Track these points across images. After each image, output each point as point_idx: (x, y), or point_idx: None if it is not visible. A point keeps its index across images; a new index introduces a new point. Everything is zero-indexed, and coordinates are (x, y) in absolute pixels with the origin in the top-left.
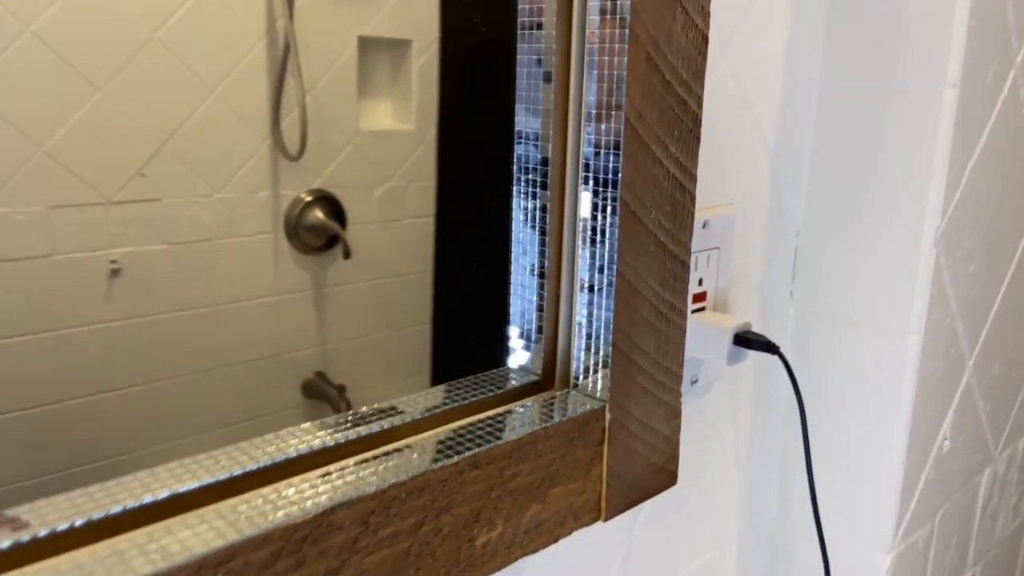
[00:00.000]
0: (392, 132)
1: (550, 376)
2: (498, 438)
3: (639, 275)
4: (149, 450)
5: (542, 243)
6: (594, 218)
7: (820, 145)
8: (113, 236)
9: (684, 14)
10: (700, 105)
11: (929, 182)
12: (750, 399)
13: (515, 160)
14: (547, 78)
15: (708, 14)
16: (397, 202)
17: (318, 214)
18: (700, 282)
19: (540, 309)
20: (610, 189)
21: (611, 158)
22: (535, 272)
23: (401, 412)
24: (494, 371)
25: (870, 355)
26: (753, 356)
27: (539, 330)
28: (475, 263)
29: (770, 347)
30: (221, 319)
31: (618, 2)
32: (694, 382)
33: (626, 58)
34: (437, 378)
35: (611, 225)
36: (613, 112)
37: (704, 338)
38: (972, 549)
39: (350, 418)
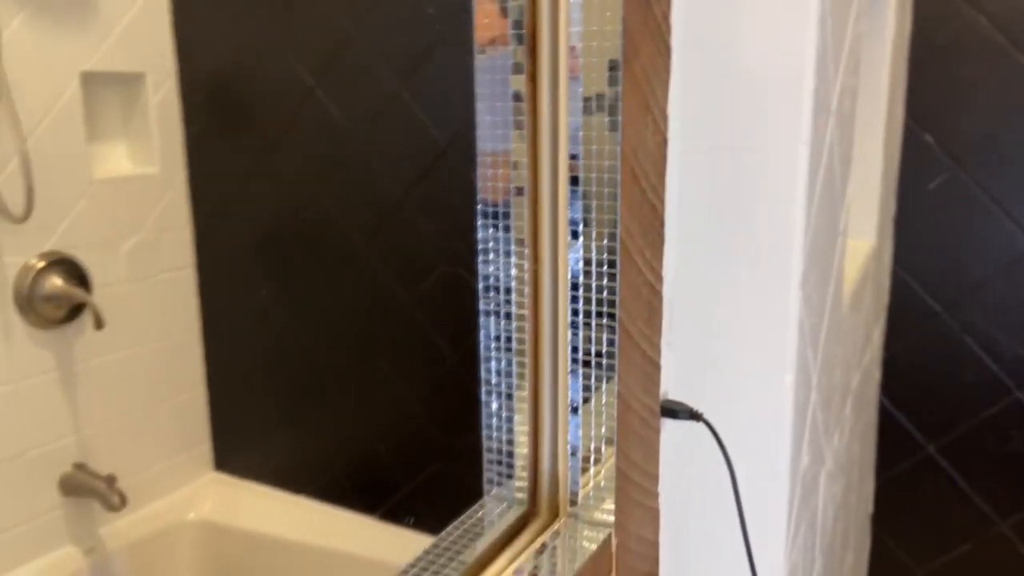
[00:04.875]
0: (133, 177)
1: (535, 504)
2: None
3: (631, 390)
4: None
5: (519, 364)
6: (588, 340)
7: (685, 200)
8: None
9: (653, 122)
10: (663, 204)
11: (792, 232)
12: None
13: (481, 279)
14: (519, 192)
15: (667, 117)
16: (149, 256)
17: (56, 281)
18: None
19: (513, 436)
20: (605, 308)
21: (604, 278)
22: (510, 395)
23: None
24: (478, 504)
25: (750, 396)
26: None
27: (515, 456)
28: (247, 315)
29: (694, 415)
30: None
31: (607, 120)
32: None
33: (618, 176)
34: (220, 449)
35: (608, 346)
36: (605, 231)
37: None
38: (817, 544)
39: None
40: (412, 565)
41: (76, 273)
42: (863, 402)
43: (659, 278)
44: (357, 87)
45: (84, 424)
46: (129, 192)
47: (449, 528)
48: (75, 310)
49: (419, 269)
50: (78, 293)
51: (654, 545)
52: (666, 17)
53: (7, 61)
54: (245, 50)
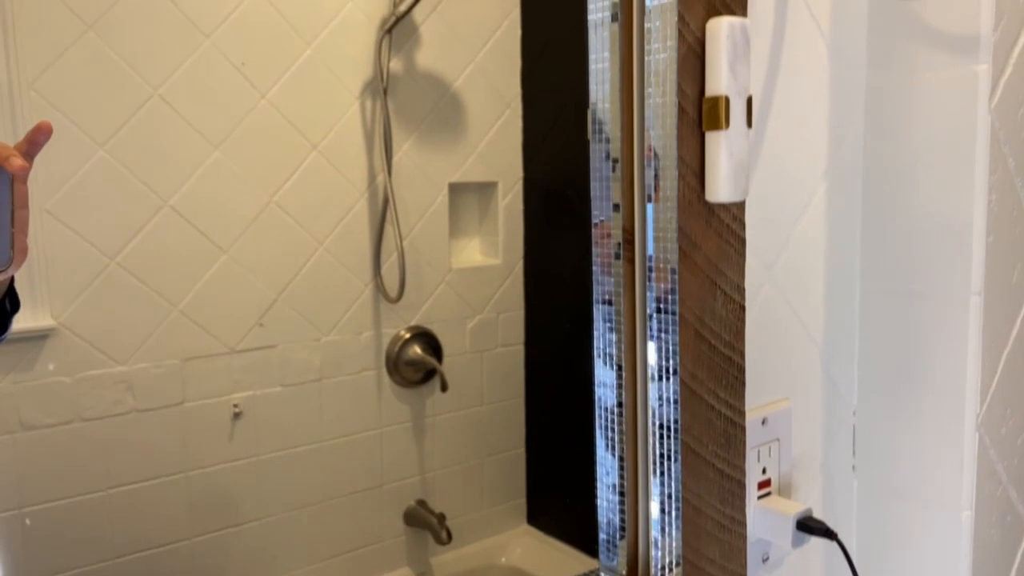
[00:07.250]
0: (481, 267)
1: (633, 574)
2: None
3: (701, 498)
4: None
5: (620, 467)
6: (661, 456)
7: (867, 336)
8: (235, 382)
9: (723, 294)
10: (743, 357)
11: (965, 375)
12: (820, 569)
13: (596, 400)
14: (618, 344)
15: (743, 290)
16: (488, 333)
17: (416, 350)
18: (764, 471)
19: (622, 522)
20: (672, 432)
21: (672, 409)
22: (616, 490)
23: None
24: (594, 570)
25: (928, 527)
26: None
27: (621, 537)
28: (565, 388)
29: (829, 534)
30: (330, 453)
31: (669, 297)
32: (765, 560)
33: (677, 336)
34: (533, 505)
35: (674, 461)
36: (671, 374)
37: (770, 523)
38: None
39: None
40: None
41: (432, 343)
42: None
43: (737, 412)
44: None
45: (427, 468)
46: (477, 279)
47: None
48: (428, 374)
49: None
50: (431, 360)
51: None
52: (736, 217)
53: (396, 176)
54: (573, 159)
